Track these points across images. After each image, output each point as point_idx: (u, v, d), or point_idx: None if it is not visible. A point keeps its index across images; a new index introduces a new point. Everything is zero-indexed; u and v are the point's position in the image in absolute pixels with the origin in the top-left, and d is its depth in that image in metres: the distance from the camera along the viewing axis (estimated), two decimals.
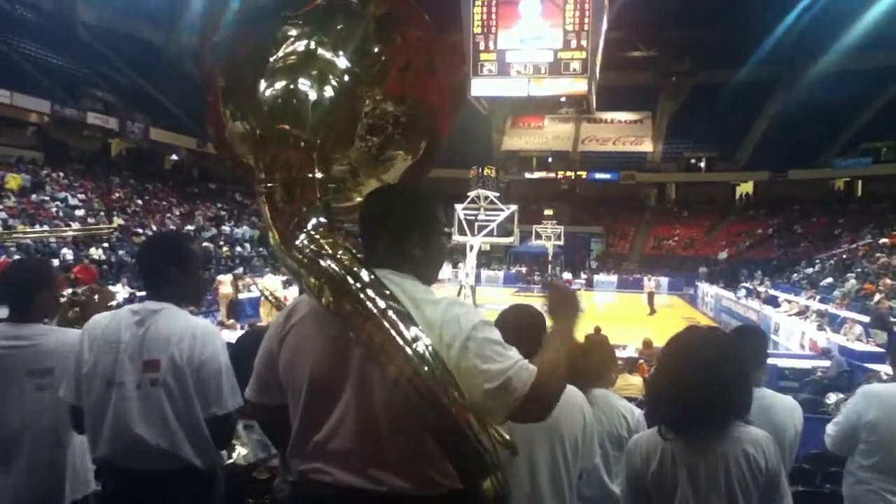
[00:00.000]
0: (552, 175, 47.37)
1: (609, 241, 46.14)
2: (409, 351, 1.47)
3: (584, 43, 26.49)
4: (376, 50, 1.93)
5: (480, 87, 27.26)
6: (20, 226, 20.03)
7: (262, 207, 1.73)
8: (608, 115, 47.61)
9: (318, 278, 1.59)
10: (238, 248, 29.53)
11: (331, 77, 1.83)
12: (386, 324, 1.49)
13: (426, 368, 1.47)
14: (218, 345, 2.45)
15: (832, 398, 8.24)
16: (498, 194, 25.77)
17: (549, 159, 48.90)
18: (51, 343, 2.53)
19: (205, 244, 26.98)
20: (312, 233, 1.63)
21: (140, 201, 29.81)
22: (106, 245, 22.35)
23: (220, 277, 18.22)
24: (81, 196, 26.37)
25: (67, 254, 20.04)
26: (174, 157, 39.07)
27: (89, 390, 2.39)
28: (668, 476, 2.17)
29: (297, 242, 1.62)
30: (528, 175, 47.52)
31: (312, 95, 1.78)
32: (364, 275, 1.56)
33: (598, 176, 46.92)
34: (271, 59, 1.85)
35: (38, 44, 32.74)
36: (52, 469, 2.60)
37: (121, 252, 22.21)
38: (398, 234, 1.75)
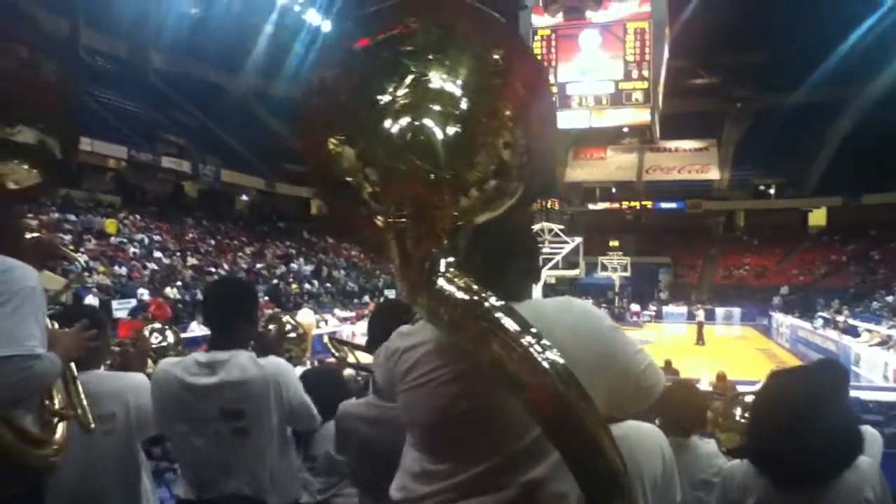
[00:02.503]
0: (616, 205, 46.92)
1: (677, 272, 45.30)
2: (546, 366, 1.45)
3: (645, 73, 26.43)
4: (493, 90, 1.90)
5: None
6: (101, 267, 20.86)
7: (391, 247, 1.73)
8: (672, 144, 47.01)
9: (454, 307, 1.58)
10: (307, 286, 30.02)
11: (456, 114, 1.82)
12: (523, 342, 1.48)
13: (562, 384, 1.45)
14: (295, 377, 2.57)
15: None
16: (562, 226, 25.65)
17: (613, 190, 48.47)
18: (108, 387, 2.56)
19: (275, 282, 27.55)
20: (448, 275, 1.61)
21: (213, 241, 30.69)
22: (180, 284, 23.05)
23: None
24: (157, 237, 27.31)
25: (144, 294, 20.72)
26: (244, 197, 40.14)
27: (169, 437, 2.50)
28: None
29: (437, 287, 1.60)
30: (591, 206, 47.13)
31: (440, 132, 1.78)
32: (496, 301, 1.56)
33: (664, 205, 46.26)
34: (395, 93, 1.83)
35: (115, 92, 34.19)
36: None
37: (195, 291, 22.84)
38: (525, 271, 1.87)
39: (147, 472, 2.76)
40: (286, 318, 4.66)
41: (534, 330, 1.52)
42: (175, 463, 6.03)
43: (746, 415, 3.44)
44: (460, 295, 1.59)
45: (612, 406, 1.68)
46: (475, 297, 1.57)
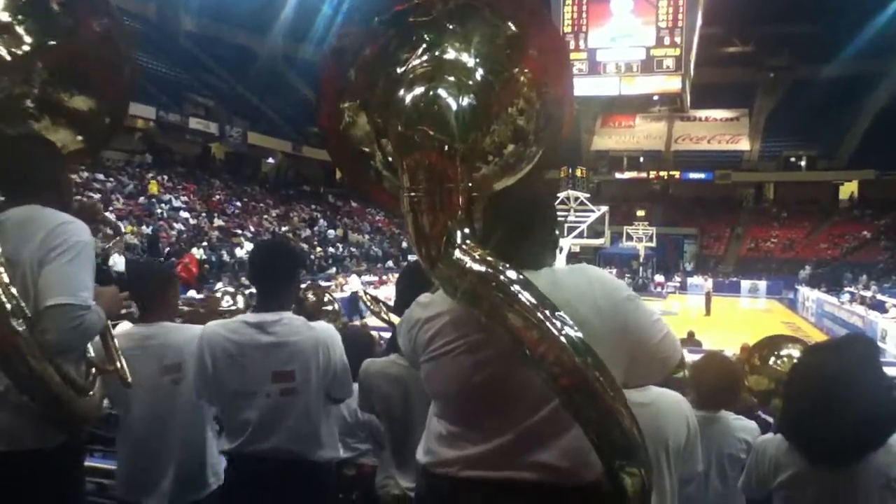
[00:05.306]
0: (644, 175, 46.42)
1: (703, 243, 44.87)
2: (563, 340, 1.48)
3: (677, 40, 26.02)
4: (509, 59, 1.92)
5: None
6: (128, 227, 21.10)
7: (407, 219, 1.73)
8: (702, 113, 46.34)
9: (470, 279, 1.60)
10: (331, 249, 30.18)
11: (471, 83, 1.82)
12: (540, 315, 1.51)
13: (579, 356, 1.48)
14: (340, 344, 2.61)
15: None
16: (588, 195, 25.52)
17: (641, 159, 47.94)
18: (176, 338, 2.66)
19: (302, 244, 27.74)
20: (464, 247, 1.64)
21: (239, 203, 30.89)
22: (206, 245, 23.26)
23: None
24: (184, 198, 27.54)
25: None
26: (270, 160, 40.24)
27: (218, 398, 2.57)
28: (797, 490, 2.10)
29: (454, 259, 1.63)
30: (618, 175, 46.69)
31: (454, 102, 1.77)
32: (512, 274, 1.58)
33: (692, 176, 45.64)
34: (410, 63, 1.84)
35: (144, 52, 34.23)
36: (195, 456, 2.71)
37: (221, 252, 23.04)
38: (546, 239, 1.84)
39: (211, 422, 2.83)
40: (327, 290, 4.74)
41: (550, 303, 1.54)
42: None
43: (779, 362, 3.43)
44: (476, 267, 1.60)
45: (630, 376, 1.70)
46: (490, 270, 1.59)
